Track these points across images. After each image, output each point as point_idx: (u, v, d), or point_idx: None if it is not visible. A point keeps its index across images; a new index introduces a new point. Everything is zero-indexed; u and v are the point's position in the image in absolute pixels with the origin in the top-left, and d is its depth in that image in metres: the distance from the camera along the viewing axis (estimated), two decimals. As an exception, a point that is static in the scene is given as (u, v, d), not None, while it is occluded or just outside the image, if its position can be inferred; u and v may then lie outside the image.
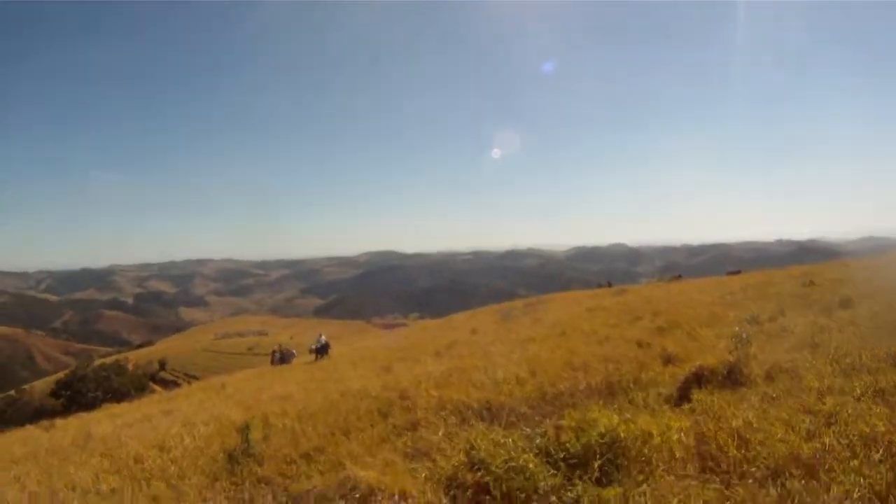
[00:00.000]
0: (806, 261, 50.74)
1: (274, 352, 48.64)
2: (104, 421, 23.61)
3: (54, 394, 62.45)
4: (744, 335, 11.18)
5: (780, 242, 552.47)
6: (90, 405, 47.87)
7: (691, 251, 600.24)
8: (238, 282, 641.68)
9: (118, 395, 54.93)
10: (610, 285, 64.60)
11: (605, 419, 7.27)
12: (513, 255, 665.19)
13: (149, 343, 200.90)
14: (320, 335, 42.39)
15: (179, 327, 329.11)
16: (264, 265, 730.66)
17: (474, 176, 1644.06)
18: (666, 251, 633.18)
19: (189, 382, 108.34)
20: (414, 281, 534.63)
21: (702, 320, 19.17)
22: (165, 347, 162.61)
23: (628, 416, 7.74)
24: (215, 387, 30.14)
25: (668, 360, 13.50)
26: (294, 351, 47.79)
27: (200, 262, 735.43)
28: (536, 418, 10.12)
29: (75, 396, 58.84)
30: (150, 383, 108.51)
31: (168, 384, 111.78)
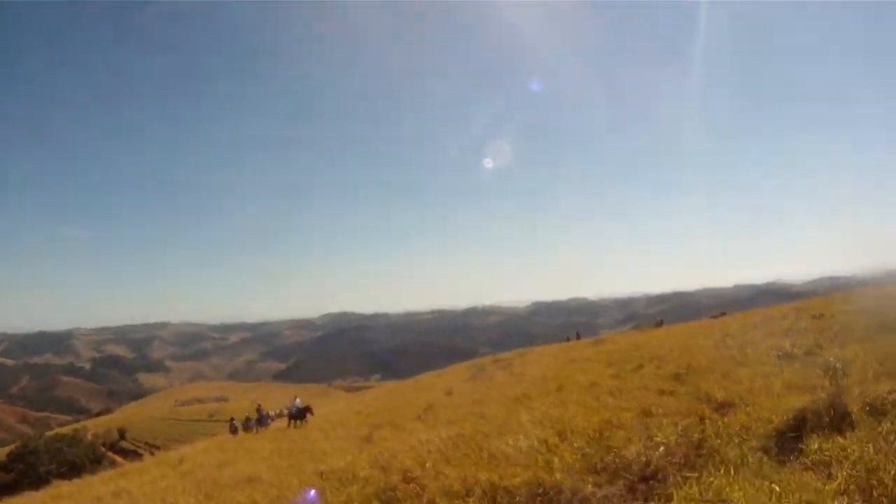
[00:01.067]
0: (767, 303, 49.31)
1: (232, 420, 46.11)
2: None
3: (3, 468, 58.69)
4: (837, 364, 9.06)
5: (738, 287, 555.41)
6: (42, 480, 44.63)
7: (651, 300, 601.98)
8: (196, 345, 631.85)
9: (72, 469, 51.30)
10: (579, 337, 63.08)
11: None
12: (474, 313, 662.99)
13: (107, 411, 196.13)
14: (296, 398, 39.34)
15: (138, 393, 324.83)
16: (222, 328, 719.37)
17: (434, 233, 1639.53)
18: (626, 302, 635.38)
19: (151, 452, 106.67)
20: (375, 342, 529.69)
21: (723, 362, 17.10)
22: (125, 415, 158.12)
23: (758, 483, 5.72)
24: (172, 461, 27.59)
25: (719, 407, 11.17)
26: (270, 414, 45.22)
27: (158, 325, 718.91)
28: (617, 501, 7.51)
29: (26, 470, 55.19)
30: (110, 454, 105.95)
31: (128, 454, 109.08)
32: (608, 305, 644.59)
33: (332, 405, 50.48)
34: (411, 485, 9.91)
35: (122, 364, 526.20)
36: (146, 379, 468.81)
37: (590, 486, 8.15)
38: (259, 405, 44.36)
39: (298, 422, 35.18)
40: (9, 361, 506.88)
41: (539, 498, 8.09)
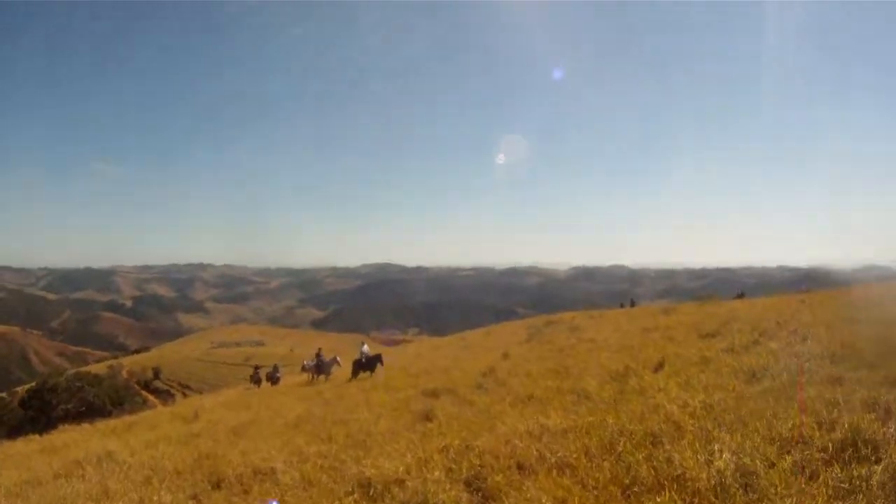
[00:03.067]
0: (810, 287, 45.11)
1: (256, 369, 41.32)
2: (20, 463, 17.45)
3: (22, 404, 55.35)
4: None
5: (781, 269, 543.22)
6: (50, 423, 41.08)
7: (692, 274, 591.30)
8: (238, 289, 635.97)
9: (90, 411, 47.81)
10: (633, 304, 58.29)
11: None
12: (514, 273, 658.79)
13: (145, 349, 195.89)
14: (363, 344, 34.18)
15: (177, 333, 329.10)
16: (265, 273, 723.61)
17: (476, 189, 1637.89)
18: (666, 274, 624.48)
19: (183, 393, 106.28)
20: (413, 295, 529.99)
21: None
22: (161, 354, 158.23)
23: None
24: (187, 415, 23.50)
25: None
26: (279, 372, 39.78)
27: (202, 266, 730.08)
28: None
29: (44, 408, 51.74)
30: (144, 392, 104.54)
31: (161, 393, 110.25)
32: (649, 275, 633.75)
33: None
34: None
35: (163, 303, 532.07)
36: (186, 319, 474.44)
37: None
38: (319, 350, 38.61)
39: (369, 372, 29.62)
40: (51, 296, 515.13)
41: None
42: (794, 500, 6.10)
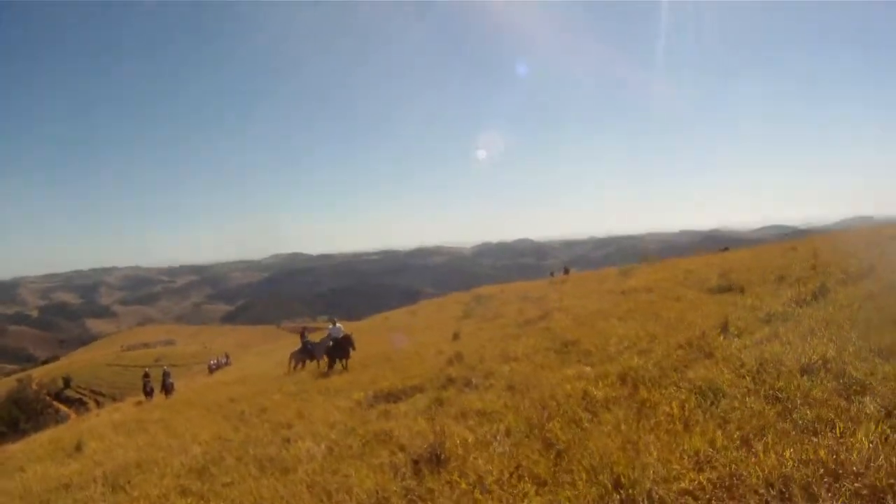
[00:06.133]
0: (712, 249, 44.41)
1: (146, 377, 34.81)
2: None
3: None
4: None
5: (683, 233, 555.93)
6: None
7: (597, 243, 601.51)
8: (144, 289, 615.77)
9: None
10: (567, 272, 54.24)
11: None
12: (420, 254, 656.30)
13: (54, 358, 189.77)
14: (335, 323, 25.69)
15: (86, 339, 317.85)
16: (170, 272, 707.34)
17: (376, 172, 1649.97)
18: (571, 244, 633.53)
19: (96, 401, 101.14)
20: (321, 283, 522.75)
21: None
22: (71, 362, 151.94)
23: None
24: (69, 445, 17.92)
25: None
26: (171, 378, 33.78)
27: (106, 270, 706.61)
28: None
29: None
30: (55, 403, 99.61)
31: (73, 403, 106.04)
32: (555, 247, 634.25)
33: (289, 350, 41.21)
34: None
35: (70, 311, 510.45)
36: (94, 325, 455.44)
37: None
38: (304, 329, 31.88)
39: (343, 361, 22.63)
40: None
41: None
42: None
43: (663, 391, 8.44)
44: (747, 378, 8.13)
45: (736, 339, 10.56)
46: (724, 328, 11.47)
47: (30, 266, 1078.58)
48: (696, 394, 7.94)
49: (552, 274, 55.94)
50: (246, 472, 9.33)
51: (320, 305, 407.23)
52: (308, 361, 26.96)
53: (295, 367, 27.07)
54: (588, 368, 11.01)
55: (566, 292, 29.36)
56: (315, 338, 28.97)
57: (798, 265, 18.95)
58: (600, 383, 9.47)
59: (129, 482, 10.78)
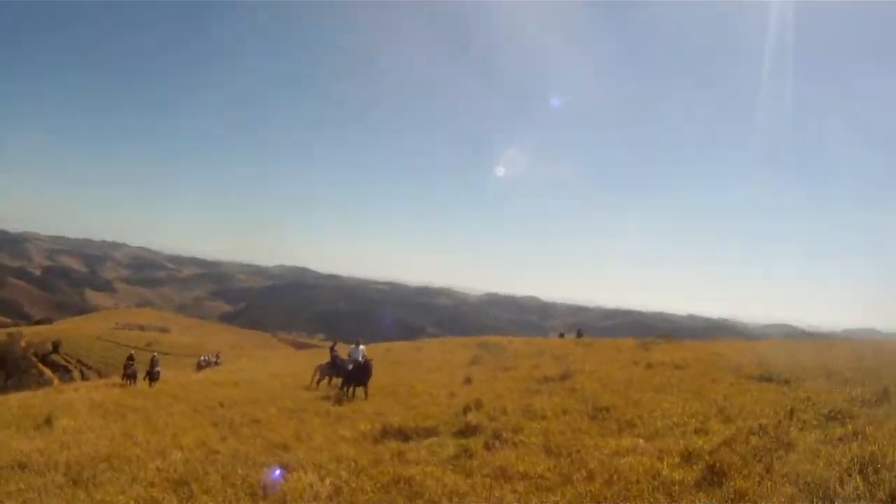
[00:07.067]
0: (720, 337, 45.38)
1: (129, 361, 33.11)
2: None
3: None
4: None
5: (691, 318, 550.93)
6: None
7: (604, 313, 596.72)
8: (149, 272, 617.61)
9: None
10: (580, 335, 52.20)
11: None
12: (426, 292, 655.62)
13: (47, 320, 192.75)
14: (358, 345, 24.20)
15: (82, 309, 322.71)
16: (177, 260, 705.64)
17: (393, 205, 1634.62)
18: (578, 310, 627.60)
19: (81, 371, 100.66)
20: (324, 302, 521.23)
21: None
22: (64, 328, 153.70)
23: None
24: (39, 416, 16.53)
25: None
26: (158, 366, 32.18)
27: (115, 245, 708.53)
28: None
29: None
30: (40, 365, 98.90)
31: (59, 369, 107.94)
32: (560, 310, 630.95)
33: (285, 362, 39.41)
34: None
35: (73, 277, 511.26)
36: (93, 296, 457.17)
37: None
38: (334, 343, 29.96)
39: (360, 388, 20.55)
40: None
41: None
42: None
43: (758, 482, 7.37)
44: (856, 477, 7.10)
45: (816, 432, 9.72)
46: (790, 419, 10.65)
47: (41, 223, 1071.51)
48: (800, 489, 6.97)
49: (562, 335, 54.16)
50: (233, 496, 7.79)
51: (319, 324, 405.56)
52: (334, 378, 25.37)
53: (319, 382, 25.50)
54: (641, 441, 9.63)
55: (582, 355, 27.93)
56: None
57: (840, 363, 17.95)
58: (665, 461, 8.06)
59: (93, 478, 9.31)
